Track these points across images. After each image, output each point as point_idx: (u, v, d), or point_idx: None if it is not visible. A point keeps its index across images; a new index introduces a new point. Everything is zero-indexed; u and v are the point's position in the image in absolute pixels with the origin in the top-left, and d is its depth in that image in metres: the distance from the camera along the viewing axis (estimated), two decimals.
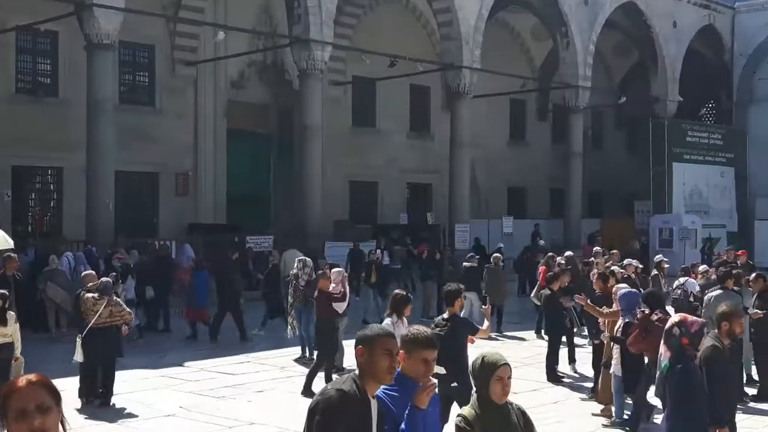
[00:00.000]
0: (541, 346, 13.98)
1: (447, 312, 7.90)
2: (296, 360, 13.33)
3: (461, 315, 8.05)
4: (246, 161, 29.29)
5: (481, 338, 8.17)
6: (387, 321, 8.03)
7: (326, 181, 28.47)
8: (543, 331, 13.88)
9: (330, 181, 29.47)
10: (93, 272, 11.95)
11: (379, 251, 19.23)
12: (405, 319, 8.09)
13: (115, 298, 10.44)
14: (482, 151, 34.43)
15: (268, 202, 30.21)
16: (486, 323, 8.13)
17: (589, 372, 12.67)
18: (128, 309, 10.43)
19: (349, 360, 13.11)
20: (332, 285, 11.96)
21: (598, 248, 18.66)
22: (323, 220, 26.33)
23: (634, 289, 9.60)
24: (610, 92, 38.87)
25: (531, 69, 37.15)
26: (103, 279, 10.67)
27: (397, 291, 8.40)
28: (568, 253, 17.95)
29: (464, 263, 17.79)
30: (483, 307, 8.36)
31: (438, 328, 7.68)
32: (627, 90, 37.34)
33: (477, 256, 18.92)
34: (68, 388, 9.82)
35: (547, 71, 36.87)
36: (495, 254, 17.68)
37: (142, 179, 26.41)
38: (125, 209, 25.23)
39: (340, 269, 12.65)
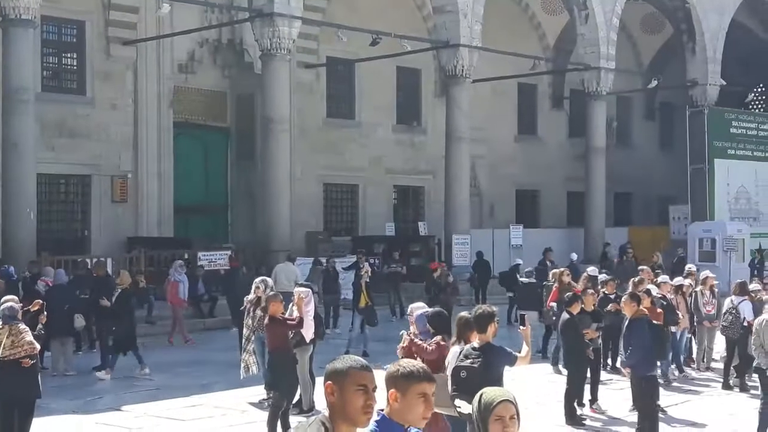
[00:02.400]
0: (558, 381, 13.97)
1: (477, 340, 7.95)
2: (262, 401, 13.25)
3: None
4: (197, 161, 29.22)
5: (520, 365, 8.23)
6: (457, 350, 8.12)
7: (296, 185, 28.44)
8: (562, 362, 13.89)
9: (300, 185, 29.44)
10: (14, 297, 11.84)
11: (368, 266, 19.23)
12: None
13: (20, 325, 10.33)
14: (485, 147, 34.50)
15: (224, 210, 30.14)
16: (525, 349, 8.14)
17: (619, 412, 12.67)
18: (30, 338, 10.31)
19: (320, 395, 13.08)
20: (295, 309, 11.90)
21: (593, 269, 18.29)
22: (293, 232, 26.26)
23: (434, 309, 9.81)
24: (638, 75, 39.07)
25: (543, 47, 37.33)
26: (6, 304, 10.55)
27: (462, 314, 8.47)
28: (591, 269, 17.99)
29: (521, 279, 18.26)
30: (521, 328, 8.39)
31: (469, 360, 7.68)
32: (659, 72, 37.49)
33: (533, 271, 19.65)
34: None
35: (562, 50, 37.03)
36: (555, 269, 17.56)
37: (69, 183, 26.27)
38: (49, 220, 25.11)
39: (307, 290, 12.55)
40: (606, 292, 15.51)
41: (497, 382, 7.61)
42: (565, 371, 13.11)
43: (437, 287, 20.13)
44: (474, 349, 7.91)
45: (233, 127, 29.93)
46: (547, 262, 23.41)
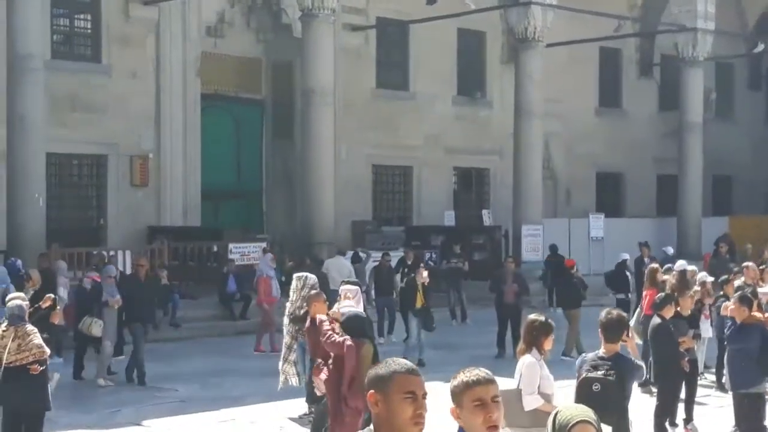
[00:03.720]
0: (647, 397, 13.78)
1: (603, 348, 8.01)
2: (303, 416, 13.29)
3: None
4: (228, 139, 29.37)
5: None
6: (527, 359, 8.17)
7: (341, 167, 28.44)
8: (651, 376, 13.72)
9: (346, 167, 29.44)
10: (21, 295, 11.99)
11: (426, 263, 19.35)
12: (545, 356, 8.30)
13: (27, 326, 10.44)
14: (561, 123, 34.22)
15: (258, 196, 30.27)
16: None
17: None
18: (39, 341, 10.42)
19: None
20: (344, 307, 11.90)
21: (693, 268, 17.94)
22: (337, 221, 26.27)
23: (359, 311, 10.01)
24: (741, 38, 38.41)
25: (629, 5, 36.82)
26: (13, 302, 10.68)
27: (533, 317, 8.46)
28: (681, 262, 17.64)
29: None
30: (625, 338, 8.47)
31: (601, 371, 7.70)
32: (766, 35, 36.86)
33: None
34: None
35: (652, 8, 36.51)
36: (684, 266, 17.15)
37: (83, 165, 26.57)
38: (60, 207, 25.42)
39: (355, 287, 12.46)
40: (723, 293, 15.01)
41: (627, 400, 7.75)
42: (654, 389, 12.94)
43: (575, 289, 19.46)
44: (602, 359, 7.91)
45: (269, 99, 30.02)
46: (645, 259, 23.05)
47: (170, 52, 27.23)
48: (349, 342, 9.20)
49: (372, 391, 3.53)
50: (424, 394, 3.58)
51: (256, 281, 20.14)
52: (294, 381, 13.16)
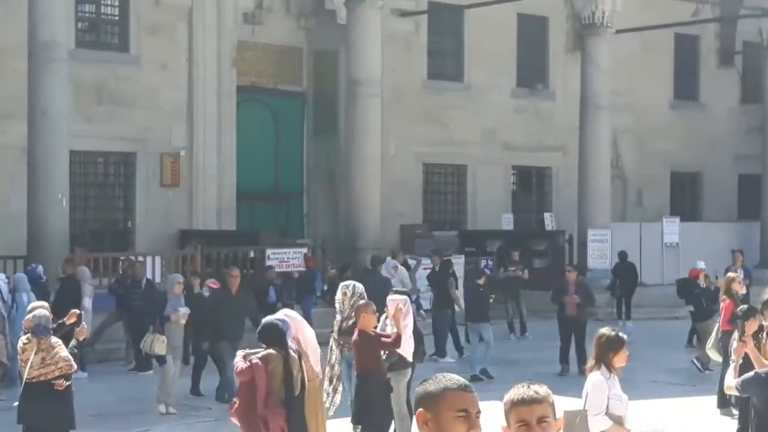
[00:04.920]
0: (728, 421, 13.71)
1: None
2: None
3: None
4: (266, 135, 29.49)
5: None
6: (594, 377, 8.23)
7: (388, 165, 28.47)
8: (732, 398, 13.63)
9: (394, 165, 29.46)
10: (44, 304, 12.17)
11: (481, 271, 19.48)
12: (617, 373, 8.34)
13: (51, 338, 10.58)
14: (631, 117, 34.01)
15: (299, 197, 30.38)
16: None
17: None
18: (66, 354, 10.54)
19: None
20: (388, 322, 11.95)
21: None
22: (384, 225, 26.30)
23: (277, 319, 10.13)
24: None
25: None
26: (36, 312, 10.83)
27: (602, 330, 8.52)
28: None
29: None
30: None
31: None
32: None
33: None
34: None
35: None
36: None
37: (109, 163, 26.84)
38: (85, 208, 25.69)
39: (405, 297, 12.58)
40: None
41: None
42: (736, 411, 12.86)
43: (710, 297, 19.43)
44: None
45: (310, 91, 30.10)
46: (739, 270, 22.60)
47: (204, 41, 27.39)
48: (255, 360, 9.38)
49: (421, 409, 3.54)
50: (478, 413, 3.60)
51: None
52: (337, 398, 13.22)
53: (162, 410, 15.32)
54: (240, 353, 9.82)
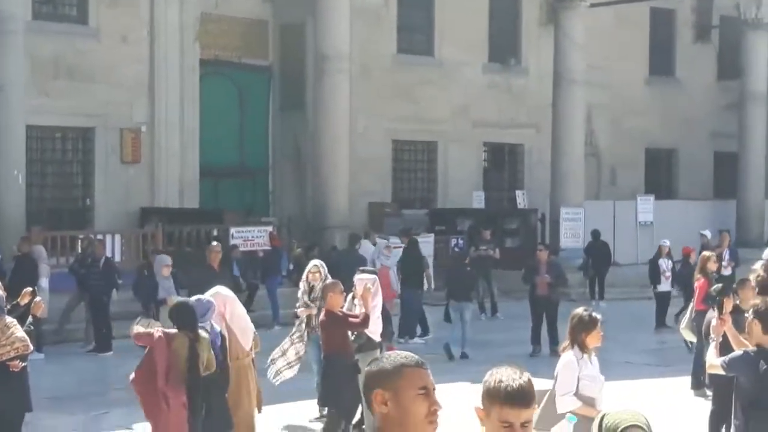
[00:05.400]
0: (702, 402, 13.75)
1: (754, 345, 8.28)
2: (314, 420, 13.30)
3: None
4: (231, 111, 29.34)
5: None
6: (565, 357, 8.33)
7: (357, 142, 28.37)
8: (706, 379, 13.62)
9: (363, 142, 29.37)
10: None
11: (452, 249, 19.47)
12: (593, 355, 8.40)
13: (6, 318, 10.43)
14: (605, 93, 34.04)
15: (264, 174, 30.26)
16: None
17: None
18: (22, 334, 10.41)
19: None
20: (356, 302, 11.91)
21: None
22: (352, 203, 26.23)
23: (187, 299, 10.44)
24: None
25: None
26: None
27: (577, 311, 8.59)
28: None
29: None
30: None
31: None
32: None
33: None
34: None
35: None
36: None
37: (67, 138, 26.59)
38: (42, 186, 25.45)
39: (373, 276, 12.52)
40: None
41: None
42: (710, 392, 12.86)
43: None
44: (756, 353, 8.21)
45: (276, 66, 29.97)
46: (725, 251, 22.65)
47: (166, 13, 27.19)
48: (158, 334, 9.49)
49: (378, 390, 3.50)
50: (434, 388, 3.56)
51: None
52: (287, 374, 13.11)
53: None
54: (137, 320, 10.08)
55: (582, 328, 8.36)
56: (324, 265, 14.01)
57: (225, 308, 10.32)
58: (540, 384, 7.94)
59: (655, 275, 22.16)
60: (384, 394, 3.47)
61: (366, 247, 22.27)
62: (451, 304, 19.30)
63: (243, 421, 10.47)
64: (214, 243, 17.55)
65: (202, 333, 9.60)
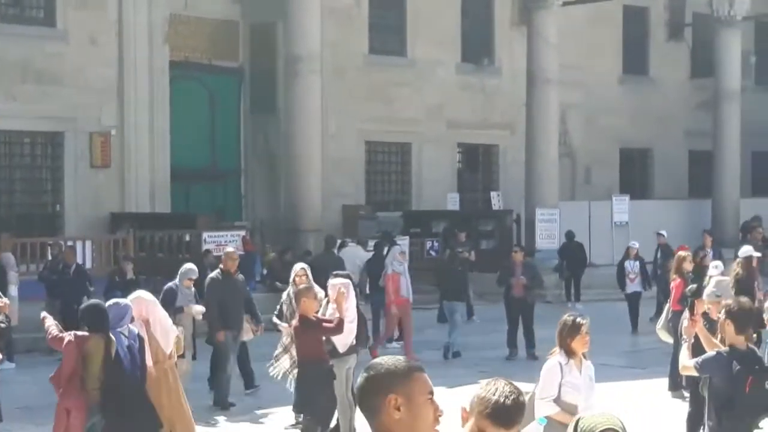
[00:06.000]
0: (680, 404, 13.82)
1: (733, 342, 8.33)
2: (290, 427, 13.36)
3: None
4: (201, 113, 29.31)
5: None
6: (549, 362, 8.40)
7: (329, 144, 28.40)
8: (683, 380, 13.73)
9: (336, 144, 29.40)
10: None
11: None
12: (582, 360, 8.51)
13: None
14: (579, 93, 34.19)
15: (236, 177, 30.24)
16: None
17: None
18: None
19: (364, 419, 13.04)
20: (329, 307, 11.95)
21: None
22: (325, 205, 26.24)
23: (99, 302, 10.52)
24: None
25: None
26: None
27: (564, 317, 8.62)
28: (746, 248, 17.35)
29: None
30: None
31: None
32: None
33: None
34: None
35: None
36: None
37: (36, 143, 26.51)
38: (10, 192, 25.36)
39: (347, 281, 12.55)
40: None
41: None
42: (687, 393, 12.99)
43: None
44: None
45: (247, 67, 29.96)
46: (707, 250, 22.45)
47: (134, 15, 27.10)
48: (69, 338, 9.64)
49: (392, 394, 3.50)
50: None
51: (383, 279, 19.77)
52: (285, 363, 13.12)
53: None
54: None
55: (567, 333, 8.45)
56: (309, 268, 14.02)
57: (147, 313, 10.51)
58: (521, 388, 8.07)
59: (621, 278, 22.42)
60: (397, 399, 3.48)
61: (353, 251, 22.13)
62: (444, 305, 19.72)
63: (165, 422, 10.60)
64: (231, 249, 16.63)
65: (111, 336, 9.71)
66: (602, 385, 14.93)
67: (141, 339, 10.02)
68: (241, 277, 15.57)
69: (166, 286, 14.94)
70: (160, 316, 10.77)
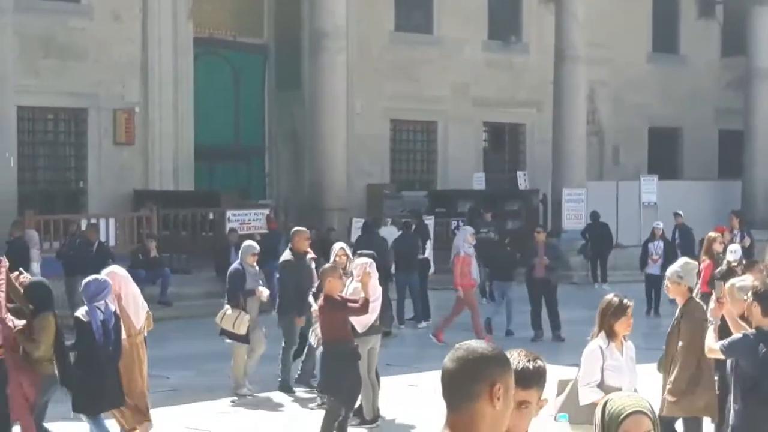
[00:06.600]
0: None
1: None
2: (315, 408, 13.40)
3: None
4: (225, 90, 29.38)
5: None
6: (590, 346, 8.27)
7: (355, 122, 28.42)
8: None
9: (361, 122, 29.43)
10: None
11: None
12: (624, 342, 8.38)
13: None
14: (608, 70, 34.08)
15: (260, 155, 30.31)
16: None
17: None
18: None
19: (388, 400, 13.14)
20: (353, 285, 11.99)
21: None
22: (350, 185, 26.30)
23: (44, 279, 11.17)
24: None
25: None
26: None
27: (607, 297, 8.48)
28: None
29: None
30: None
31: None
32: None
33: None
34: None
35: None
36: None
37: (59, 120, 26.66)
38: (34, 168, 25.51)
39: (368, 260, 12.46)
40: None
41: None
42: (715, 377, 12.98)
43: None
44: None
45: (272, 44, 29.99)
46: (735, 232, 22.13)
47: None
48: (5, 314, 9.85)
49: (499, 384, 3.51)
50: None
51: (452, 260, 19.59)
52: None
53: (245, 392, 14.34)
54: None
55: (610, 314, 8.26)
56: (347, 247, 14.12)
57: (119, 288, 10.64)
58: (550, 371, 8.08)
59: (643, 258, 22.43)
60: (501, 388, 3.50)
61: (389, 231, 22.17)
62: (494, 284, 20.16)
63: (137, 397, 10.77)
64: (302, 228, 15.70)
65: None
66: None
67: (117, 317, 10.20)
68: (311, 256, 15.17)
69: (231, 268, 14.69)
70: (133, 291, 10.95)
